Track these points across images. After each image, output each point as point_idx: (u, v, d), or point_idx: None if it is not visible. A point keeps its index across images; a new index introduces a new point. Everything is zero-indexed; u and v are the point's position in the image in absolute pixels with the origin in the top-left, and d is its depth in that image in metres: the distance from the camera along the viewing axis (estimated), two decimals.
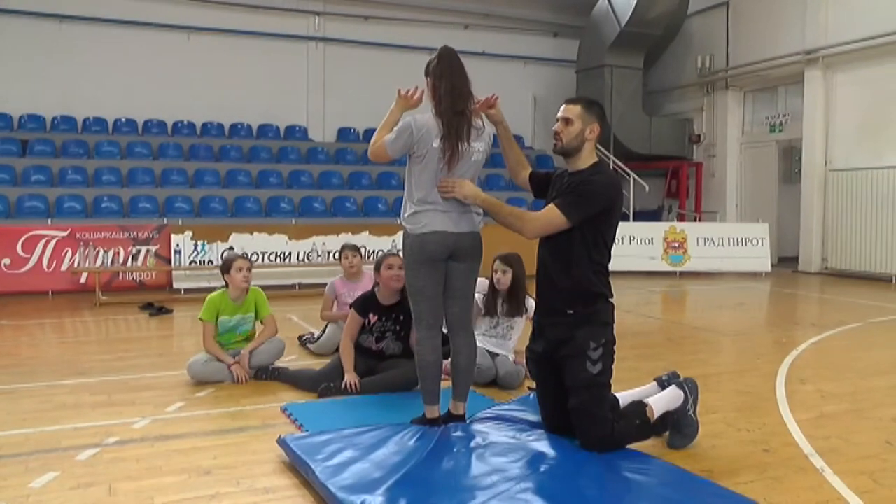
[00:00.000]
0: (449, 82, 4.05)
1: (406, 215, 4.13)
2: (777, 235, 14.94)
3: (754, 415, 4.83)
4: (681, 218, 16.13)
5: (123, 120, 13.93)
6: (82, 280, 10.62)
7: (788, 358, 6.53)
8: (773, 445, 4.21)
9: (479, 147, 4.15)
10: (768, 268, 13.62)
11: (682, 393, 4.06)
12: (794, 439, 4.31)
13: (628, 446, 3.84)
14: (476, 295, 5.78)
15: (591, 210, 3.87)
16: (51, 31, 13.40)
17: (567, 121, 4.01)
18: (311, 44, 15.33)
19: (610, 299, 4.01)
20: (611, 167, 14.92)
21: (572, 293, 3.91)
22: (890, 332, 8.24)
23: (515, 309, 5.73)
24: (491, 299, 5.79)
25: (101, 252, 10.72)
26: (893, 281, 12.25)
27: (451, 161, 3.98)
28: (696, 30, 16.55)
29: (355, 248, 7.16)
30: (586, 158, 4.03)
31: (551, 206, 3.93)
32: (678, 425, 4.03)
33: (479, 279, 5.88)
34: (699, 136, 16.73)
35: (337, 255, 11.49)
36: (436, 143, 3.98)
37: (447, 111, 4.01)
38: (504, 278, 5.65)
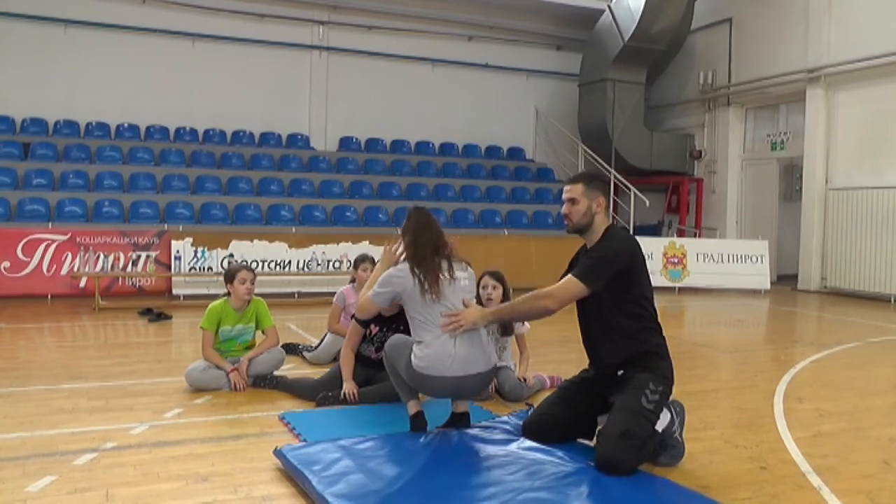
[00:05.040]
0: (413, 236, 4.43)
1: (416, 344, 4.31)
2: (777, 253, 14.96)
3: (752, 432, 4.83)
4: (680, 233, 16.15)
5: (126, 125, 13.95)
6: (82, 284, 10.63)
7: (787, 376, 6.53)
8: (770, 462, 4.20)
9: (463, 275, 4.40)
10: (767, 285, 13.63)
11: (669, 414, 4.06)
12: (791, 457, 4.31)
13: None
14: None
15: (608, 271, 3.99)
16: (55, 36, 13.43)
17: (572, 201, 4.16)
18: (314, 53, 15.37)
19: (665, 357, 4.09)
20: (611, 182, 14.74)
21: (623, 358, 4.02)
22: (889, 352, 8.23)
23: (507, 328, 5.65)
24: None
25: (101, 257, 10.73)
26: (893, 301, 12.25)
27: (434, 287, 4.21)
28: (699, 46, 16.61)
29: (373, 261, 7.07)
30: (598, 230, 4.16)
31: (568, 276, 4.09)
32: (663, 445, 4.01)
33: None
34: (700, 151, 16.77)
35: (337, 265, 11.64)
36: (414, 282, 4.26)
37: (417, 256, 4.35)
38: (495, 294, 5.56)
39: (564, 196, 4.22)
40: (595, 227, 4.15)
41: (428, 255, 4.33)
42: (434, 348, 4.16)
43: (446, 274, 4.30)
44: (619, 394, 3.94)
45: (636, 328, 4.03)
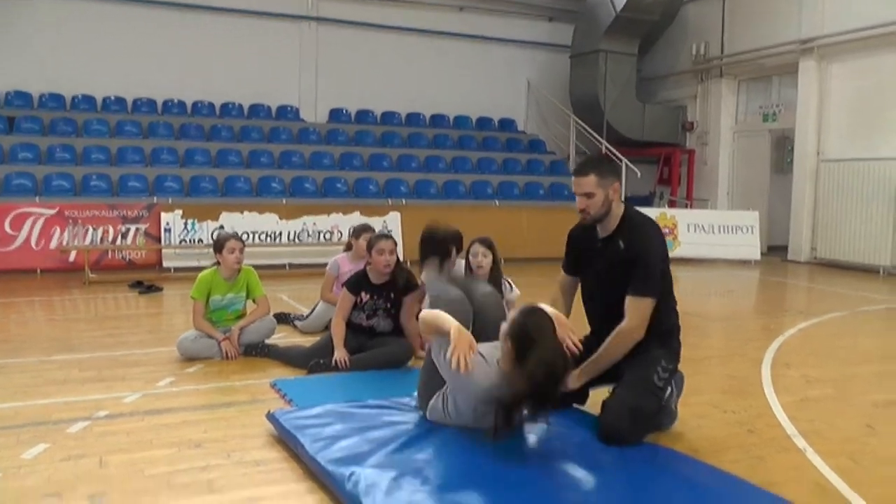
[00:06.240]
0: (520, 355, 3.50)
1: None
2: (767, 224, 15.00)
3: (740, 397, 4.89)
4: (672, 204, 16.17)
5: (113, 98, 13.83)
6: (71, 259, 10.61)
7: (775, 343, 6.59)
8: (757, 426, 4.26)
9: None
10: (758, 256, 13.71)
11: (671, 387, 4.07)
12: (778, 421, 4.37)
13: None
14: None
15: (660, 272, 3.92)
16: (39, 6, 13.26)
17: (588, 195, 3.96)
18: (304, 23, 15.24)
19: (678, 335, 4.10)
20: (603, 152, 14.68)
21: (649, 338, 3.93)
22: (876, 322, 8.31)
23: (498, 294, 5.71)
24: None
25: (90, 230, 10.70)
26: (881, 272, 12.32)
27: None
28: (692, 17, 16.53)
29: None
30: (616, 216, 4.03)
31: (630, 300, 3.84)
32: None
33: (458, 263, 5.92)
34: (692, 123, 16.76)
35: (328, 236, 11.64)
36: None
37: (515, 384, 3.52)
38: (485, 261, 5.60)
39: (577, 190, 4.01)
40: (612, 214, 4.01)
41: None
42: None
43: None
44: (629, 367, 3.87)
45: (661, 307, 3.93)
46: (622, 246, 3.95)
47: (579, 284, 4.33)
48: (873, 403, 4.83)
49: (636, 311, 3.85)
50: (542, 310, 3.57)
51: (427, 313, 3.83)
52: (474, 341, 3.55)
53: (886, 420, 4.54)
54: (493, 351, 3.63)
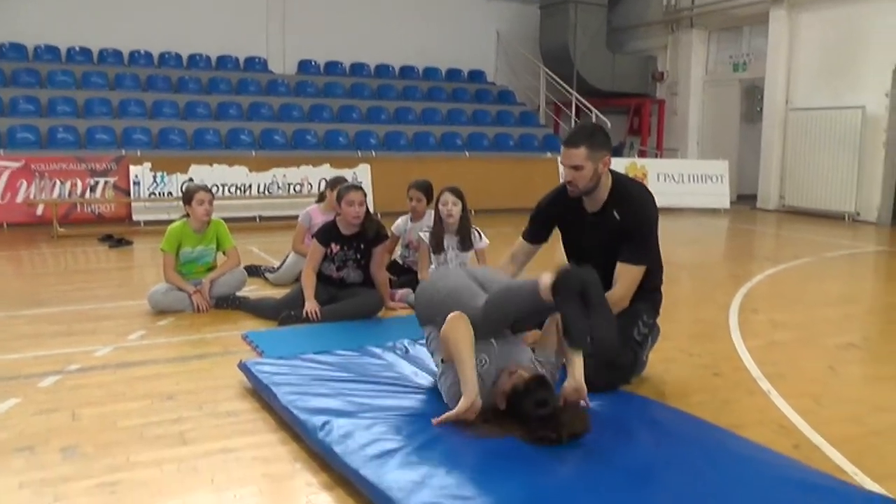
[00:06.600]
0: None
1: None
2: (737, 173, 15.11)
3: (707, 342, 4.98)
4: (642, 154, 16.20)
5: (77, 49, 13.50)
6: (39, 212, 10.45)
7: (743, 289, 6.70)
8: (723, 370, 4.35)
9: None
10: (727, 204, 13.84)
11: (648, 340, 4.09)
12: (744, 364, 4.46)
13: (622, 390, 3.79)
14: (420, 233, 5.84)
15: (653, 240, 3.89)
16: None
17: (577, 168, 3.73)
18: None
19: (660, 291, 4.08)
20: (573, 104, 14.57)
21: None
22: (841, 267, 8.46)
23: (467, 242, 5.75)
24: (438, 235, 5.73)
25: (58, 184, 10.53)
26: (847, 218, 12.51)
27: None
28: None
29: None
30: (605, 188, 3.85)
31: (623, 267, 3.77)
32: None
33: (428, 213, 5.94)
34: (662, 73, 16.74)
35: (298, 188, 11.56)
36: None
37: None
38: (455, 210, 5.64)
39: (565, 161, 3.78)
40: (601, 186, 3.82)
41: None
42: None
43: None
44: None
45: (650, 267, 3.90)
46: (618, 217, 3.82)
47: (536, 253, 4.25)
48: (836, 346, 4.95)
49: (628, 279, 3.78)
50: (542, 383, 3.18)
51: (454, 334, 3.27)
52: (479, 407, 3.20)
53: (847, 361, 4.66)
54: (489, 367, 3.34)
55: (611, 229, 3.83)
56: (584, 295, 3.09)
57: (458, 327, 3.27)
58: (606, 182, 3.85)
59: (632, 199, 3.86)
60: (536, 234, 4.18)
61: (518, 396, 3.13)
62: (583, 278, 3.11)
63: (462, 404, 3.14)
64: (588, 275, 3.14)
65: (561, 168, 3.91)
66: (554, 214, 4.10)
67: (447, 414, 3.17)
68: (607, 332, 3.10)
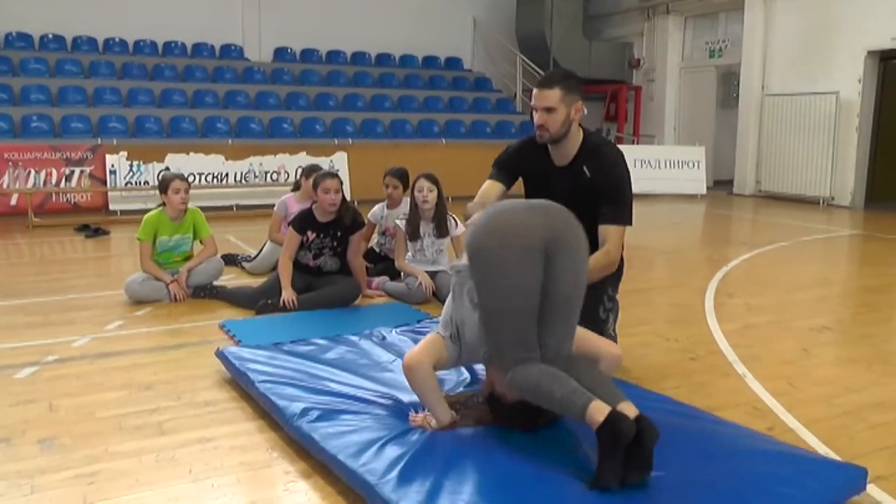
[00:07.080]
0: None
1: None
2: (713, 159, 15.20)
3: (683, 325, 5.03)
4: (619, 141, 16.23)
5: (51, 36, 13.32)
6: (13, 202, 10.34)
7: (719, 274, 6.76)
8: (699, 353, 4.40)
9: None
10: (704, 190, 13.93)
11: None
12: (719, 348, 4.52)
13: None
14: (396, 221, 5.85)
15: (631, 193, 3.79)
16: None
17: (549, 110, 3.60)
18: None
19: (622, 263, 3.94)
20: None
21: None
22: (816, 251, 8.56)
23: (443, 229, 5.76)
24: (414, 222, 5.74)
25: (33, 173, 10.42)
26: (822, 203, 12.63)
27: None
28: None
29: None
30: (575, 139, 3.73)
31: (609, 228, 3.67)
32: None
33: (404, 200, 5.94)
34: (639, 60, 16.79)
35: (275, 176, 11.51)
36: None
37: None
38: (431, 196, 5.65)
39: (537, 104, 3.63)
40: (571, 137, 3.70)
41: None
42: None
43: None
44: None
45: None
46: (588, 174, 3.72)
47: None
48: (810, 328, 5.02)
49: (616, 239, 3.69)
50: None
51: (418, 387, 3.07)
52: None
53: (820, 343, 4.73)
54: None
55: (581, 184, 3.73)
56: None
57: (420, 378, 3.03)
58: (577, 135, 3.74)
59: (604, 157, 3.74)
60: (507, 176, 4.02)
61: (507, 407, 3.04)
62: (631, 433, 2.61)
63: (434, 426, 3.03)
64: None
65: (533, 113, 3.76)
66: (521, 164, 3.97)
67: (423, 418, 3.08)
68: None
